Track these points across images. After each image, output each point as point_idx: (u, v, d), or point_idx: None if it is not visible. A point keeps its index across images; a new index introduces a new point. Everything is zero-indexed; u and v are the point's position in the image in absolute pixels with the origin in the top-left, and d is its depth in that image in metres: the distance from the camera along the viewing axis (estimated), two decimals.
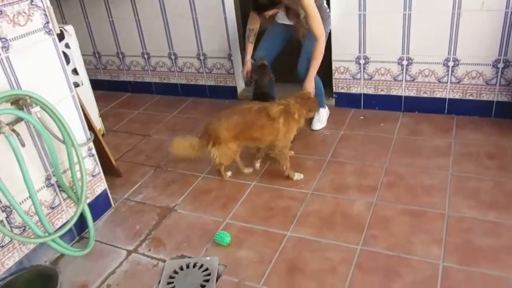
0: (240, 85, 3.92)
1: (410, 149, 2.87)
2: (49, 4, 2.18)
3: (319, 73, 2.95)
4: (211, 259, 2.16)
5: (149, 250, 2.32)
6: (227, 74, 3.86)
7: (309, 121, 3.30)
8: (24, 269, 2.13)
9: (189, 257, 2.22)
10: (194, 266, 2.14)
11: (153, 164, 3.12)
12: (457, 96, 3.10)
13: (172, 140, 2.76)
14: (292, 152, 2.95)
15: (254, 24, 3.06)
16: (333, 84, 3.43)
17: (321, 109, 3.27)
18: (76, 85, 3.29)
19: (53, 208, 2.31)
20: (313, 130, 3.24)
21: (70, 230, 2.34)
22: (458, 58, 2.98)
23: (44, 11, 2.16)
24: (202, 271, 2.10)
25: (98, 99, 4.18)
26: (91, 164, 2.54)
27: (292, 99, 2.66)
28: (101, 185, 2.62)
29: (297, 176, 2.71)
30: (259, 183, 2.75)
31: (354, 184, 2.62)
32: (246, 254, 2.20)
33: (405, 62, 3.14)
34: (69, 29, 3.18)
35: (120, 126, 3.78)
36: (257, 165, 2.88)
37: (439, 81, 3.10)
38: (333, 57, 3.34)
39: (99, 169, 2.60)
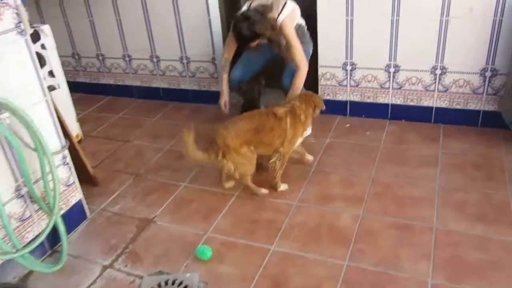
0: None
1: (397, 159, 2.81)
2: (19, 2, 2.04)
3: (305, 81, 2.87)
4: (191, 276, 2.06)
5: (126, 266, 2.20)
6: (211, 79, 3.76)
7: None
8: None
9: (168, 274, 2.11)
10: (173, 283, 2.03)
11: (133, 172, 3.00)
12: (444, 104, 3.06)
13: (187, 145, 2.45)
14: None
15: (230, 53, 3.00)
16: (319, 91, 3.36)
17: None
18: (52, 88, 3.15)
19: (23, 220, 2.18)
20: None
21: (41, 243, 2.21)
22: (446, 66, 2.93)
23: (16, 10, 2.02)
24: None
25: (76, 103, 4.03)
26: (66, 173, 2.41)
27: (296, 101, 2.59)
28: (76, 195, 2.49)
29: (283, 186, 2.62)
30: (242, 193, 2.65)
31: (340, 195, 2.54)
32: (228, 270, 2.10)
33: (392, 69, 3.08)
34: (45, 29, 3.04)
35: (99, 131, 3.64)
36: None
37: (426, 89, 3.05)
38: (320, 62, 3.27)
39: (74, 178, 2.47)
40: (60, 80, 3.22)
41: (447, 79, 2.97)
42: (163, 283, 2.03)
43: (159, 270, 2.14)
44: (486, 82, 2.88)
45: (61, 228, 2.27)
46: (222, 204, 2.57)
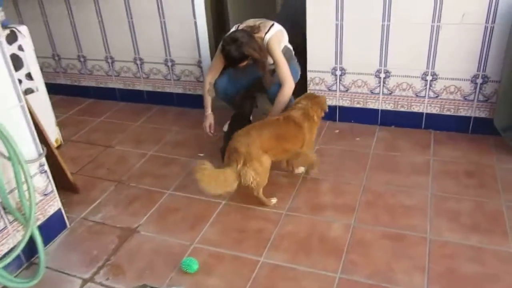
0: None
1: (388, 166, 2.75)
2: None
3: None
4: None
5: (108, 279, 2.08)
6: (196, 82, 3.66)
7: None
8: None
9: (152, 287, 2.00)
10: None
11: (115, 178, 2.88)
12: (434, 111, 3.02)
13: (198, 169, 2.27)
14: None
15: (214, 76, 2.93)
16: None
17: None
18: (30, 91, 3.02)
19: None
20: None
21: (17, 256, 2.08)
22: (437, 72, 2.89)
23: None
24: None
25: (56, 105, 3.90)
26: (43, 181, 2.28)
27: (305, 102, 2.57)
28: (54, 204, 2.37)
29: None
30: (229, 201, 2.56)
31: (331, 203, 2.47)
32: (215, 283, 2.01)
33: (382, 75, 3.03)
34: (23, 29, 2.91)
35: (80, 136, 3.50)
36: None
37: (417, 95, 3.01)
38: (308, 67, 3.20)
39: (52, 187, 2.35)
40: (39, 82, 3.09)
41: (438, 85, 2.93)
42: None
43: (142, 283, 2.02)
44: (477, 89, 2.85)
45: (38, 239, 2.14)
46: (209, 213, 2.47)
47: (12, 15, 3.87)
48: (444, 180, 2.57)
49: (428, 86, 2.95)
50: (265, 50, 2.73)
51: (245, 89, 3.02)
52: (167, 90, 3.80)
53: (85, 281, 2.09)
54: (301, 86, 3.18)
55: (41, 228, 2.21)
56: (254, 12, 3.68)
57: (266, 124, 2.52)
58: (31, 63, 3.00)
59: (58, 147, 3.31)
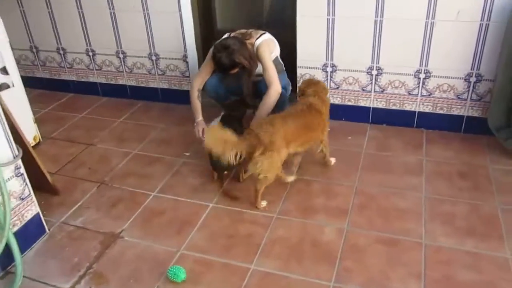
0: None
1: (380, 166, 2.68)
2: None
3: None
4: None
5: None
6: (182, 77, 3.52)
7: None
8: None
9: None
10: None
11: (97, 179, 2.75)
12: (427, 109, 2.96)
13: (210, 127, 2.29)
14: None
15: (202, 82, 2.80)
16: (298, 93, 3.19)
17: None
18: (6, 86, 2.85)
19: None
20: None
21: None
22: (430, 70, 2.82)
23: None
24: None
25: (35, 100, 3.76)
26: (19, 185, 2.14)
27: (311, 88, 2.54)
28: (32, 208, 2.23)
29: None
30: (217, 204, 2.46)
31: (322, 206, 2.39)
32: None
33: (374, 72, 2.95)
34: None
35: (60, 133, 3.35)
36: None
37: (409, 93, 2.94)
38: (298, 63, 3.10)
39: (29, 190, 2.21)
40: (14, 77, 2.93)
41: (431, 84, 2.86)
42: None
43: None
44: (471, 88, 2.79)
45: (15, 247, 2.01)
46: (196, 217, 2.37)
47: None
48: (437, 182, 2.52)
49: (421, 84, 2.89)
50: (255, 58, 2.68)
51: (235, 92, 2.90)
52: (152, 85, 3.66)
53: None
54: (291, 82, 3.08)
55: (17, 234, 2.09)
56: (241, 5, 3.57)
57: (290, 114, 2.42)
58: (6, 56, 2.83)
59: (37, 145, 3.17)
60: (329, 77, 3.07)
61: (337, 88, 3.09)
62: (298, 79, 3.16)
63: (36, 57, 3.96)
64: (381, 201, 2.39)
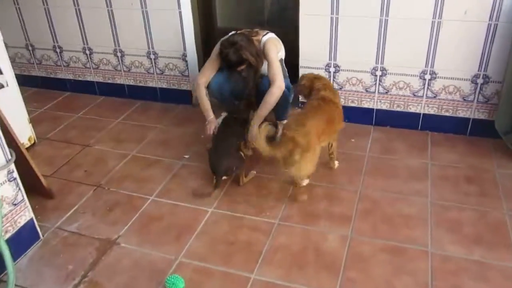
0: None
1: (384, 170, 2.61)
2: None
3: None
4: None
5: None
6: (181, 77, 3.44)
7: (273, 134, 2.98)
8: None
9: None
10: None
11: (93, 182, 2.67)
12: (432, 111, 2.88)
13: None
14: (254, 172, 2.62)
15: (207, 80, 2.74)
16: (300, 88, 3.10)
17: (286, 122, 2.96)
18: (0, 86, 2.77)
19: None
20: None
21: None
22: (436, 71, 2.75)
23: None
24: None
25: (31, 99, 3.70)
26: (12, 190, 2.07)
27: (318, 81, 2.53)
28: (25, 214, 2.16)
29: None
30: (217, 209, 2.39)
31: (325, 211, 2.32)
32: None
33: (379, 73, 2.88)
34: None
35: (56, 133, 3.27)
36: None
37: (414, 95, 2.87)
38: (301, 63, 3.03)
39: (22, 195, 2.14)
40: (9, 76, 2.85)
41: (437, 85, 2.79)
42: None
43: None
44: (478, 89, 2.72)
45: (7, 254, 1.94)
46: (195, 222, 2.30)
47: None
48: (443, 187, 2.45)
49: (426, 85, 2.81)
50: (262, 56, 2.64)
51: (238, 94, 2.84)
52: (150, 84, 3.58)
53: None
54: (292, 82, 3.00)
55: (10, 241, 2.02)
56: (242, 2, 3.50)
57: (312, 110, 2.40)
58: (0, 55, 2.75)
59: (32, 146, 3.09)
60: (332, 78, 2.99)
61: (340, 88, 3.01)
62: (300, 79, 3.07)
63: (32, 55, 3.87)
64: (386, 207, 2.33)
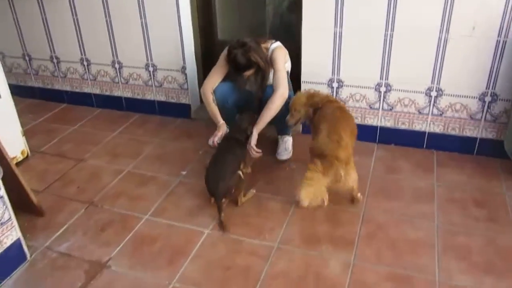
0: (194, 103, 3.43)
1: (388, 191, 2.51)
2: None
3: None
4: None
5: None
6: (180, 90, 3.36)
7: (274, 150, 2.89)
8: None
9: None
10: None
11: (86, 199, 2.57)
12: (438, 129, 2.79)
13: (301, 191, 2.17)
14: (254, 191, 2.52)
15: (213, 86, 2.69)
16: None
17: (287, 137, 2.87)
18: None
19: None
20: (280, 160, 2.83)
21: None
22: (442, 88, 2.66)
23: None
24: None
25: (27, 110, 3.63)
26: None
27: (321, 95, 2.52)
28: (12, 234, 2.06)
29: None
30: (213, 230, 2.28)
31: (327, 235, 2.21)
32: None
33: (383, 89, 2.79)
34: None
35: (50, 146, 3.18)
36: None
37: (420, 112, 2.77)
38: (303, 77, 2.94)
39: (9, 214, 2.04)
40: (2, 87, 2.77)
41: (443, 102, 2.70)
42: None
43: None
44: (485, 108, 2.62)
45: None
46: (190, 245, 2.19)
47: None
48: (450, 210, 2.34)
49: (432, 102, 2.72)
50: (270, 63, 2.59)
51: (243, 105, 2.77)
52: (148, 97, 3.50)
53: None
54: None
55: None
56: (243, 15, 3.42)
57: (338, 120, 2.33)
58: None
59: (25, 159, 3.00)
60: (335, 93, 2.90)
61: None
62: None
63: (29, 65, 3.80)
64: (390, 231, 2.22)
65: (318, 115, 2.43)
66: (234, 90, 2.77)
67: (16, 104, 2.92)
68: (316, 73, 2.89)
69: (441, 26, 2.51)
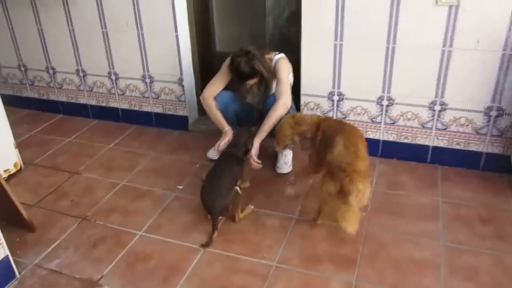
0: (192, 115, 3.37)
1: (391, 208, 2.43)
2: None
3: None
4: None
5: None
6: (177, 101, 3.29)
7: (274, 163, 2.82)
8: None
9: None
10: None
11: (79, 213, 2.49)
12: (442, 144, 2.71)
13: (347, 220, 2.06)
14: (252, 207, 2.44)
15: (214, 93, 2.66)
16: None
17: (288, 150, 2.80)
18: None
19: None
20: (279, 174, 2.76)
21: None
22: (446, 102, 2.59)
23: None
24: None
25: (22, 121, 3.58)
26: None
27: (312, 116, 2.41)
28: (0, 252, 1.97)
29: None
30: (210, 248, 2.20)
31: (327, 254, 2.13)
32: None
33: (385, 102, 2.72)
34: None
35: (44, 158, 3.11)
36: None
37: (423, 126, 2.70)
38: (302, 90, 2.87)
39: None
40: None
41: (447, 117, 2.63)
42: None
43: None
44: (491, 122, 2.55)
45: None
46: (185, 263, 2.11)
47: None
48: (456, 228, 2.26)
49: (436, 116, 2.65)
50: (273, 73, 2.56)
51: (243, 117, 2.73)
52: (145, 109, 3.43)
53: None
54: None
55: None
56: (241, 26, 3.37)
57: (351, 132, 2.21)
58: None
59: (18, 172, 2.93)
60: (335, 106, 2.84)
61: (344, 118, 2.85)
62: (301, 107, 2.92)
63: (25, 75, 3.74)
64: (393, 250, 2.13)
65: (321, 133, 2.28)
66: (235, 100, 2.74)
67: (11, 115, 2.87)
68: (316, 86, 2.83)
69: (444, 39, 2.45)
